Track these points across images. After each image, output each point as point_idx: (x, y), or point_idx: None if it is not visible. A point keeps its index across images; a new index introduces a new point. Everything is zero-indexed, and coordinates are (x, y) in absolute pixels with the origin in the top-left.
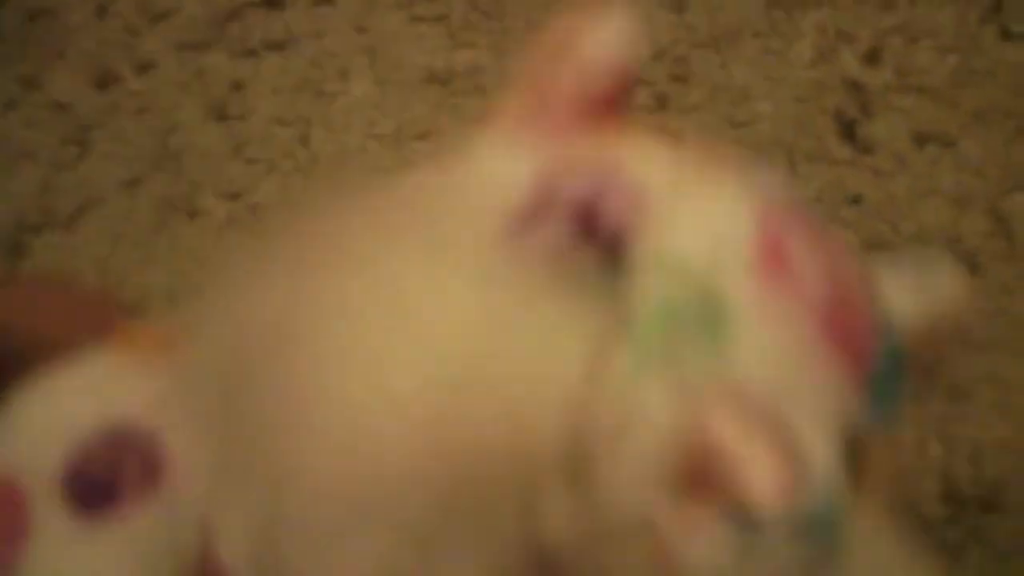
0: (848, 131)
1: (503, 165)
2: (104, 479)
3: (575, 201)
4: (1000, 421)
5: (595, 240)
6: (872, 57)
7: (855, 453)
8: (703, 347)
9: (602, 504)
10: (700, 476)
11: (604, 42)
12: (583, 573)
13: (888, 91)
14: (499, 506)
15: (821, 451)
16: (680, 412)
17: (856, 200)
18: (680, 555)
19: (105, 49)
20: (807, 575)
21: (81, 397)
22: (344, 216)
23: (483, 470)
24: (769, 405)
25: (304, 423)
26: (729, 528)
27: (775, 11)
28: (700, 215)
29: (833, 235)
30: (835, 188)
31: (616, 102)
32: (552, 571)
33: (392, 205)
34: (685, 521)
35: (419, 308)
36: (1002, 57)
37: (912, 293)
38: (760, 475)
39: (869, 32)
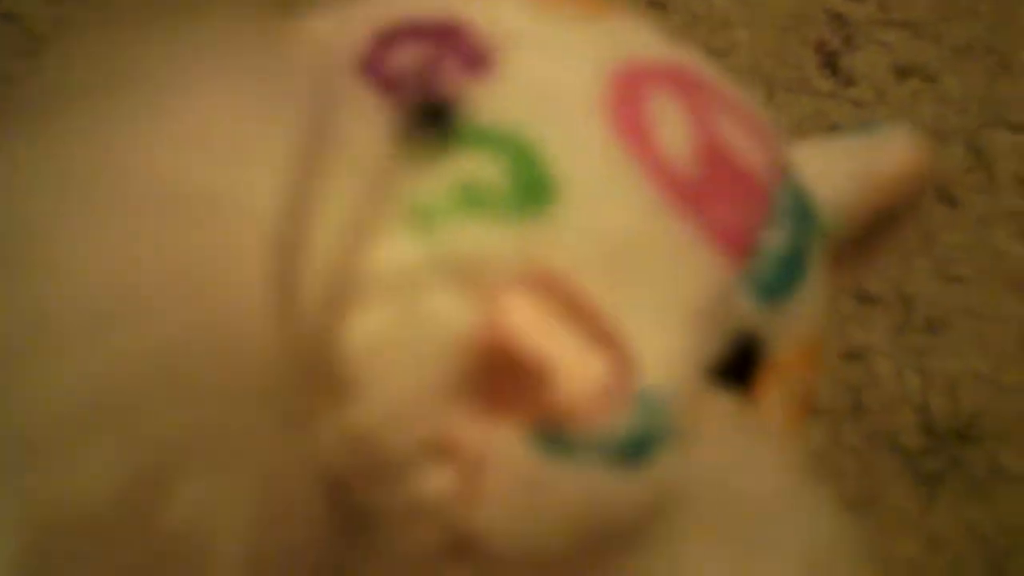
0: (829, 62)
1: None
2: None
3: (405, 68)
4: (977, 353)
5: (425, 114)
6: None
7: (746, 354)
8: (511, 230)
9: (373, 425)
10: (498, 384)
11: None
12: (376, 509)
13: (871, 24)
14: (253, 423)
15: (663, 350)
16: (473, 307)
17: (835, 131)
18: (480, 481)
19: None
20: (632, 500)
21: None
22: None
23: (203, 376)
24: (593, 295)
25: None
26: (535, 445)
27: None
28: (538, 74)
29: (735, 104)
30: (815, 119)
31: None
32: (347, 508)
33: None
34: (483, 440)
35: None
36: None
37: (859, 162)
38: (570, 380)
39: None
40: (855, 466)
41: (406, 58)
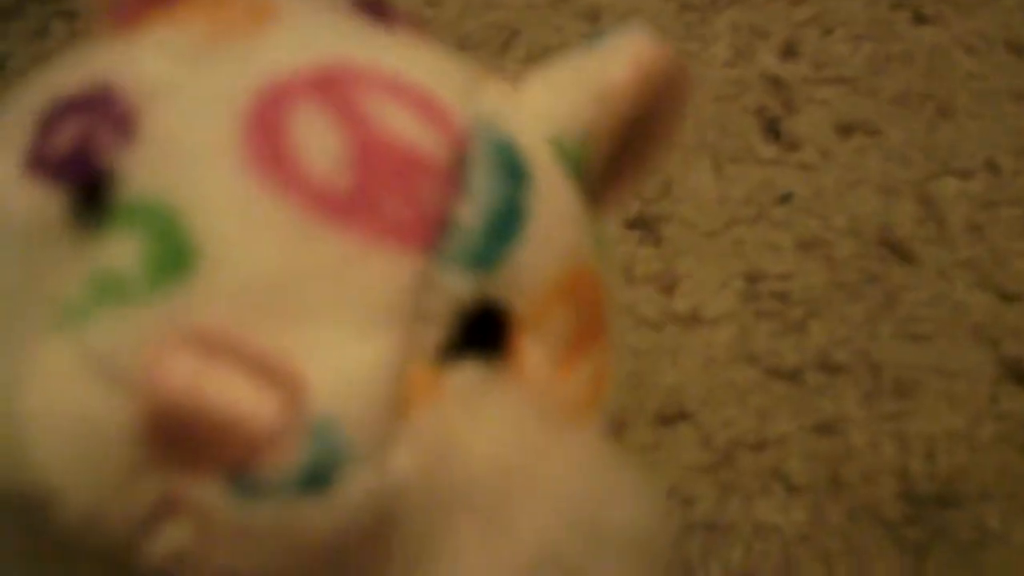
0: (772, 128)
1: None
2: None
3: (64, 148)
4: (950, 412)
5: (82, 196)
6: (788, 51)
7: (489, 320)
8: (152, 302)
9: (89, 517)
10: (185, 444)
11: None
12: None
13: (807, 84)
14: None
15: (340, 371)
16: (127, 394)
17: (786, 198)
18: (209, 528)
19: None
20: (330, 523)
21: None
22: None
23: None
24: (254, 338)
25: None
26: (232, 492)
27: (688, 14)
28: (176, 128)
29: (399, 84)
30: (764, 188)
31: None
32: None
33: None
34: (196, 493)
35: None
36: (917, 41)
37: (588, 77)
38: (243, 425)
39: (783, 26)
40: (839, 545)
41: (65, 138)
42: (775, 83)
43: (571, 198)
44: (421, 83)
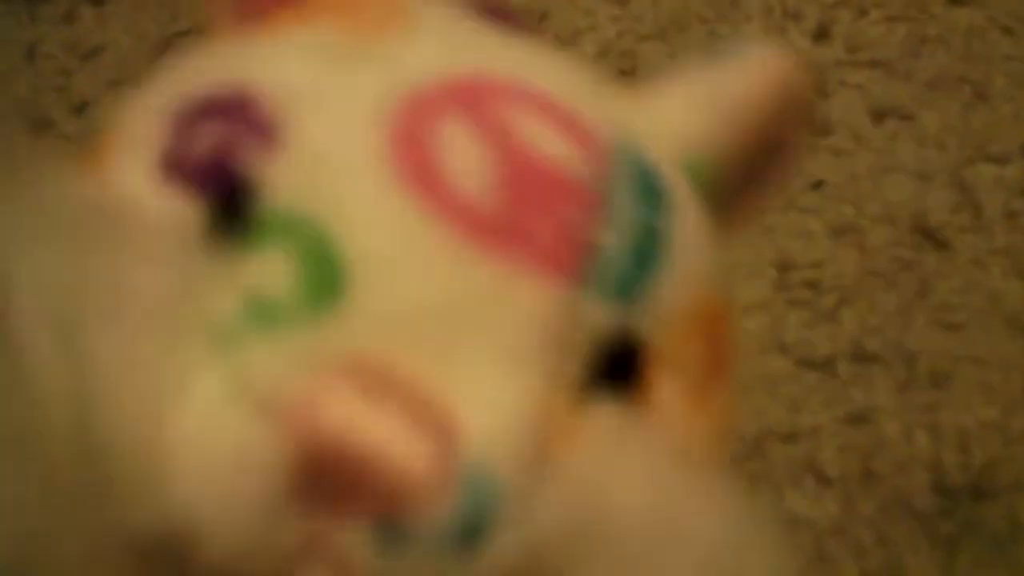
0: None
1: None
2: None
3: (204, 153)
4: (983, 403)
5: (223, 206)
6: (821, 33)
7: (624, 354)
8: (306, 336)
9: (229, 561)
10: (333, 485)
11: None
12: None
13: (841, 67)
14: None
15: (494, 408)
16: (278, 427)
17: (818, 185)
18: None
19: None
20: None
21: None
22: None
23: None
24: (407, 371)
25: None
26: (375, 540)
27: None
28: (321, 137)
29: (541, 98)
30: (795, 174)
31: None
32: None
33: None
34: (337, 539)
35: None
36: (953, 22)
37: (718, 93)
38: (395, 468)
39: (816, 8)
40: (871, 537)
41: (204, 143)
42: (807, 65)
43: (704, 223)
44: (565, 99)
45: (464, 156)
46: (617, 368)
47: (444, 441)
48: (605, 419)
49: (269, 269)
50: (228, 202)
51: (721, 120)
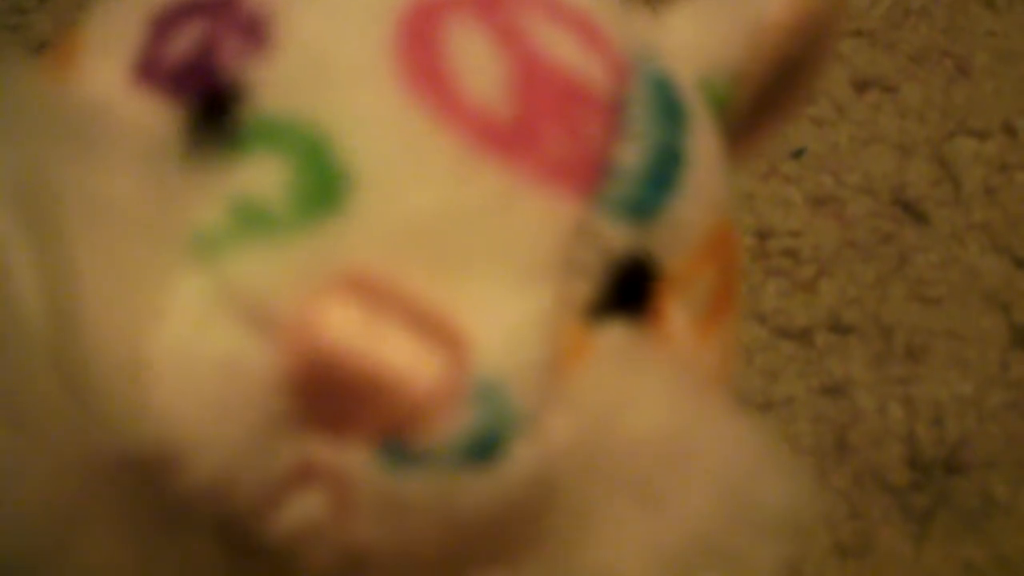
0: None
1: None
2: None
3: (183, 56)
4: (959, 377)
5: (207, 112)
6: None
7: (636, 276)
8: (299, 245)
9: (218, 480)
10: (335, 402)
11: None
12: (261, 541)
13: None
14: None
15: (504, 325)
16: (274, 340)
17: (798, 154)
18: (349, 498)
19: None
20: (494, 496)
21: None
22: None
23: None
24: (412, 285)
25: None
26: (385, 460)
27: None
28: (317, 35)
29: (559, 3)
30: (776, 142)
31: None
32: (233, 544)
33: None
34: (338, 461)
35: None
36: None
37: (741, 13)
38: (403, 385)
39: None
40: (845, 508)
41: (183, 44)
42: None
43: (719, 145)
44: (585, 7)
45: (476, 59)
46: (629, 292)
47: (453, 355)
48: (616, 341)
49: (259, 175)
50: (211, 107)
51: (741, 39)
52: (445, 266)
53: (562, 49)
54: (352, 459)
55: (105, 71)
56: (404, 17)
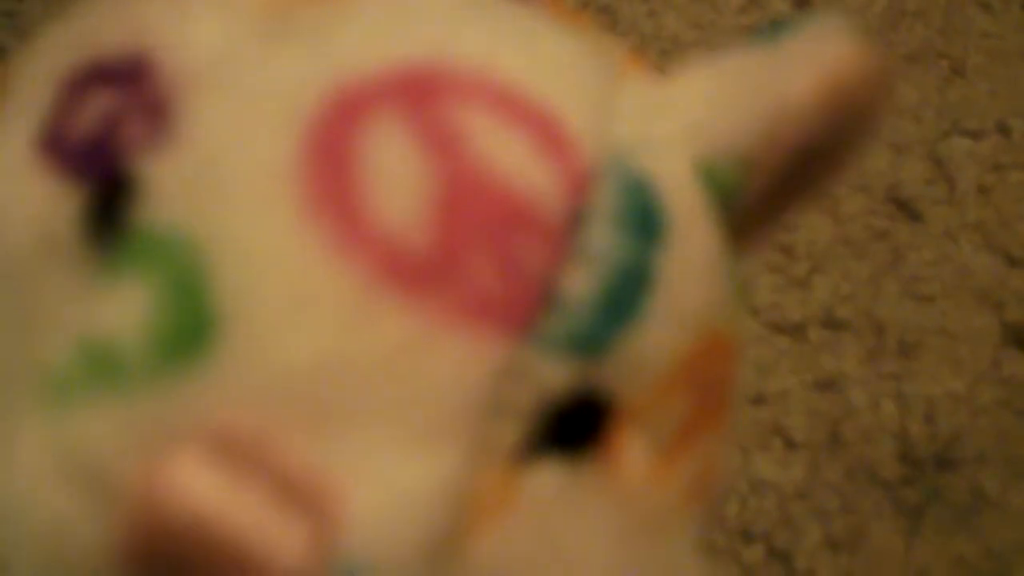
0: None
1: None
2: None
3: (87, 132)
4: (951, 374)
5: (100, 208)
6: (802, 2)
7: (579, 414)
8: (152, 387)
9: None
10: (167, 572)
11: None
12: None
13: None
14: None
15: (388, 492)
16: (111, 497)
17: None
18: None
19: None
20: None
21: None
22: None
23: None
24: (284, 446)
25: None
26: None
27: None
28: (220, 130)
29: (512, 97)
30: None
31: None
32: None
33: None
34: None
35: None
36: None
37: (762, 86)
38: (264, 557)
39: None
40: (836, 502)
41: (88, 119)
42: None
43: (712, 245)
44: (543, 95)
45: (394, 174)
46: (571, 429)
47: (321, 529)
48: (548, 488)
49: (119, 308)
50: (107, 200)
51: (758, 123)
52: (329, 425)
53: (505, 157)
54: None
55: (12, 134)
56: (318, 118)
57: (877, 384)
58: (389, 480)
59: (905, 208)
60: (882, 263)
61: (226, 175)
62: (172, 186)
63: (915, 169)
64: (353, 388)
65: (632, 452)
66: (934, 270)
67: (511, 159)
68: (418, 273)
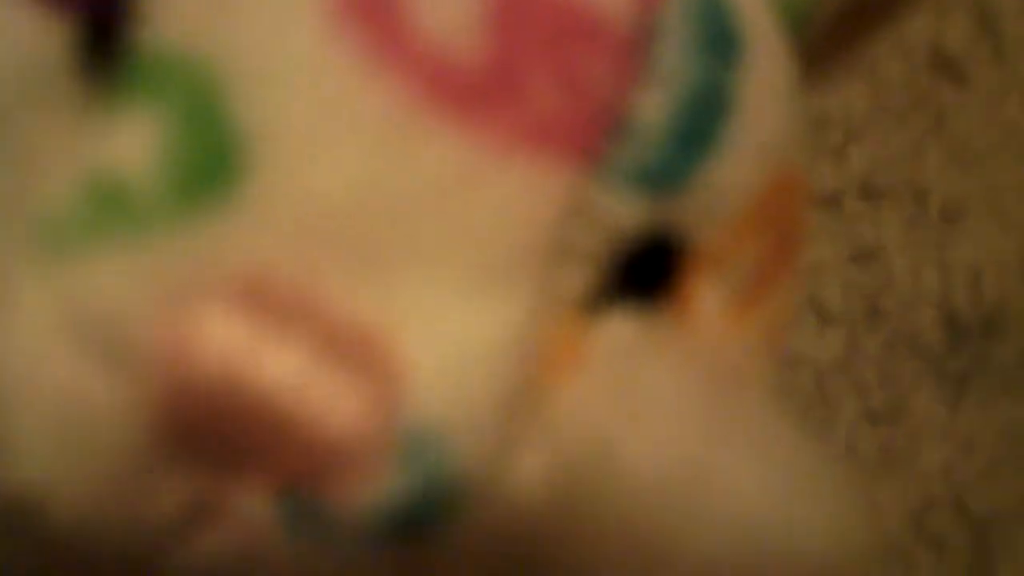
0: None
1: None
2: None
3: None
4: (998, 237)
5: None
6: None
7: (652, 257)
8: (171, 228)
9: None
10: (209, 442)
11: None
12: None
13: None
14: None
15: (453, 348)
16: (135, 359)
17: None
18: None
19: None
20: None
21: None
22: None
23: None
24: (331, 293)
25: None
26: (282, 515)
27: None
28: None
29: None
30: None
31: None
32: None
33: None
34: (214, 506)
35: None
36: None
37: None
38: (311, 422)
39: None
40: (875, 375)
41: None
42: None
43: (788, 72)
44: None
45: None
46: (645, 274)
47: (380, 388)
48: (621, 339)
49: (129, 140)
50: (102, 28)
51: None
52: (372, 268)
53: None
54: (254, 507)
55: None
56: None
57: (918, 253)
58: (449, 331)
59: (948, 69)
60: (923, 129)
61: (210, 22)
62: (180, 4)
63: (959, 27)
64: (401, 224)
65: (708, 300)
66: (980, 132)
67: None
68: (470, 92)
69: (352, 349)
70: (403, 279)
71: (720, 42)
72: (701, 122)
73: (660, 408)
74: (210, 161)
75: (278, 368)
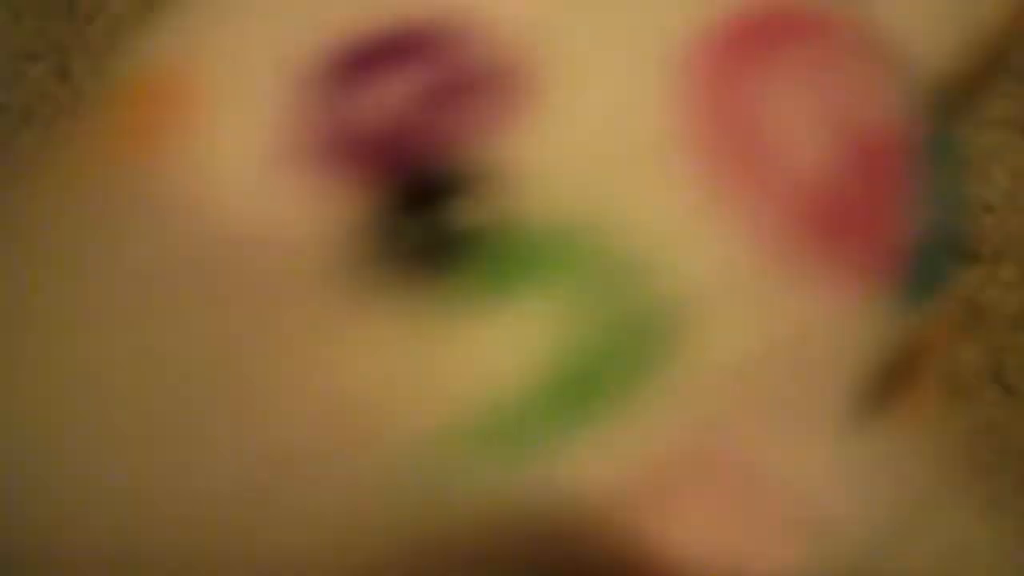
0: None
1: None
2: None
3: (379, 134)
4: None
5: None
6: None
7: (892, 371)
8: (629, 408)
9: None
10: None
11: None
12: None
13: None
14: None
15: (846, 477)
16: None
17: None
18: None
19: None
20: None
21: None
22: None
23: None
24: (747, 447)
25: None
26: None
27: None
28: (590, 102)
29: (850, 37)
30: None
31: None
32: None
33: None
34: None
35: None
36: None
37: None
38: None
39: None
40: None
41: (379, 106)
42: None
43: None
44: (868, 26)
45: (789, 126)
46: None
47: (819, 546)
48: (870, 453)
49: (535, 330)
50: (416, 205)
51: (957, 45)
52: (774, 416)
53: (862, 96)
54: None
55: (236, 155)
56: (696, 71)
57: None
58: (830, 470)
59: None
60: None
61: (607, 149)
62: (550, 174)
63: None
64: (784, 373)
65: (931, 392)
66: None
67: (866, 99)
68: (827, 237)
69: (789, 511)
70: (782, 428)
71: (951, 151)
72: (955, 229)
73: (917, 505)
74: (637, 335)
75: (744, 552)
